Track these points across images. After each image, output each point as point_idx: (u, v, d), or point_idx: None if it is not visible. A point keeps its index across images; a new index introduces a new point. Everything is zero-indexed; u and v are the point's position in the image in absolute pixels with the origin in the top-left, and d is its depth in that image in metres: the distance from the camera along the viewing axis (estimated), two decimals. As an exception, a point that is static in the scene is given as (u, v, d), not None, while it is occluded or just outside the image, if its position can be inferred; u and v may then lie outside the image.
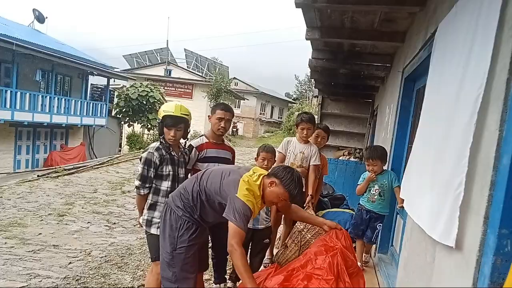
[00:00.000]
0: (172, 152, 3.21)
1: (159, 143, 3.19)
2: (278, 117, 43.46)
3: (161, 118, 3.21)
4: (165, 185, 3.14)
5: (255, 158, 3.91)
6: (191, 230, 2.70)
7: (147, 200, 3.15)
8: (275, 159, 3.83)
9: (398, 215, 3.61)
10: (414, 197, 2.25)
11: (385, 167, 3.72)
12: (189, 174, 3.52)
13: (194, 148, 3.54)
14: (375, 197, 3.63)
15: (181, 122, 3.19)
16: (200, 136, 3.72)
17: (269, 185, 2.57)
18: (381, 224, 3.61)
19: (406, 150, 3.60)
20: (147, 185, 3.10)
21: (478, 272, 1.28)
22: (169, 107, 3.24)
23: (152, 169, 3.06)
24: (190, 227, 2.69)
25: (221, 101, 28.42)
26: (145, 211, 3.16)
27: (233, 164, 3.73)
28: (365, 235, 3.73)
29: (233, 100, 32.29)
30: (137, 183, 3.09)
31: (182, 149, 3.39)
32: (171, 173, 3.16)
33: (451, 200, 1.50)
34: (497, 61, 1.36)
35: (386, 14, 3.52)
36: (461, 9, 1.85)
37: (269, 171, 2.73)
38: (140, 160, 3.12)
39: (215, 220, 2.77)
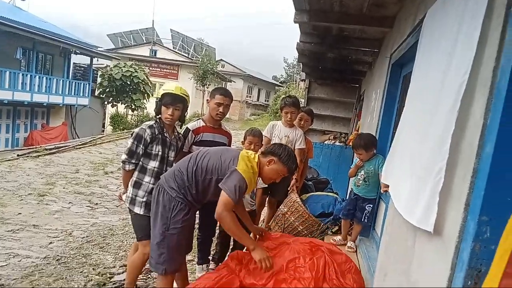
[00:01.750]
0: (165, 133, 3.19)
1: (154, 121, 3.17)
2: (265, 100, 43.33)
3: (160, 96, 3.20)
4: (152, 164, 3.12)
5: (241, 141, 3.90)
6: (183, 211, 2.72)
7: (132, 177, 3.13)
8: (262, 143, 3.83)
9: (381, 199, 3.66)
10: (396, 182, 2.27)
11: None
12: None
13: (190, 131, 3.53)
14: (360, 182, 3.67)
15: (180, 102, 3.18)
16: (197, 120, 3.71)
17: (268, 163, 2.73)
18: (370, 205, 3.65)
19: (391, 135, 3.63)
20: (133, 161, 3.08)
21: (457, 257, 1.30)
22: (170, 86, 3.24)
23: (141, 146, 3.05)
24: (183, 209, 2.72)
25: (208, 83, 28.19)
26: (129, 188, 3.13)
27: None
28: (355, 217, 3.79)
29: (219, 82, 32.01)
30: (123, 157, 3.08)
31: (177, 134, 3.37)
32: (160, 153, 3.13)
33: (431, 186, 1.52)
34: (484, 49, 1.36)
35: (375, -2, 3.49)
36: (450, -5, 1.84)
37: (263, 150, 2.86)
38: (131, 136, 3.10)
39: (209, 200, 2.81)
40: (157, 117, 3.22)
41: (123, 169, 3.12)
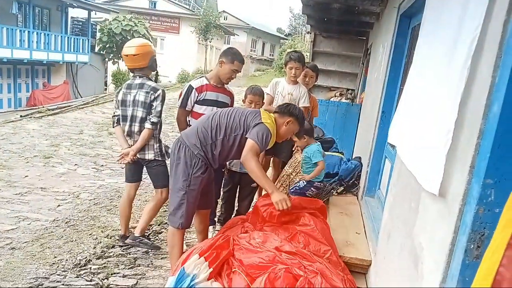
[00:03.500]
0: None
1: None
2: (270, 55, 42.44)
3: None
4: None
5: (242, 100, 3.82)
6: (202, 169, 2.83)
7: (155, 135, 3.64)
8: (263, 101, 3.75)
9: (386, 159, 3.62)
10: (404, 141, 2.20)
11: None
12: (189, 117, 3.50)
13: (194, 89, 3.46)
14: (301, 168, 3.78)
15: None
16: (200, 77, 3.63)
17: (286, 123, 2.87)
18: (312, 189, 3.70)
19: (398, 92, 3.52)
20: None
21: (460, 220, 1.27)
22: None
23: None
24: (202, 166, 2.82)
25: (210, 37, 27.50)
26: (155, 144, 3.63)
27: None
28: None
29: (222, 35, 31.25)
30: (157, 120, 3.56)
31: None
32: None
33: (438, 148, 1.46)
34: (495, 2, 1.25)
35: None
36: None
37: (278, 109, 2.98)
38: (158, 98, 3.53)
39: (227, 159, 3.02)
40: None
41: (154, 130, 3.57)
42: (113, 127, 3.73)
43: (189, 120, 3.57)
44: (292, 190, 3.73)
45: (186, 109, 3.49)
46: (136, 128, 3.55)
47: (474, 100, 1.30)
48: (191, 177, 2.79)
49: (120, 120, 3.62)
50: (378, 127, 3.77)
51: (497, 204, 1.13)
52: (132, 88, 3.55)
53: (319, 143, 3.78)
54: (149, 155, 3.61)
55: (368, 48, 7.08)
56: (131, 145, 3.59)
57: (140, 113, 3.51)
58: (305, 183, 3.65)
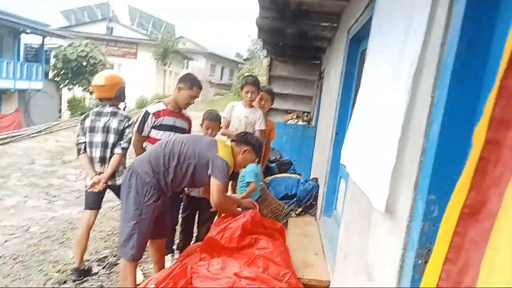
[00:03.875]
0: None
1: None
2: (229, 79, 42.78)
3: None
4: None
5: (200, 124, 3.79)
6: (154, 197, 2.73)
7: (124, 161, 3.71)
8: (221, 125, 3.75)
9: (341, 178, 3.69)
10: (355, 161, 2.26)
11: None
12: (145, 142, 3.43)
13: (150, 114, 3.40)
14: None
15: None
16: (157, 102, 3.59)
17: (242, 152, 2.89)
18: None
19: (350, 113, 3.63)
20: None
21: (408, 237, 1.30)
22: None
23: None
24: (154, 194, 2.72)
25: (169, 62, 27.40)
26: (124, 170, 3.58)
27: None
28: None
29: (181, 60, 31.21)
30: (127, 145, 3.62)
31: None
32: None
33: (385, 165, 1.50)
34: (433, 24, 1.32)
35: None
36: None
37: (235, 138, 3.01)
38: (131, 126, 3.58)
39: (180, 187, 2.93)
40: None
41: (124, 155, 3.63)
42: (79, 155, 3.63)
43: (145, 146, 3.49)
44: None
45: (143, 134, 3.42)
46: (109, 154, 3.56)
47: (416, 120, 1.36)
48: (142, 206, 2.69)
49: (87, 147, 3.57)
50: (332, 148, 3.86)
51: (440, 219, 1.15)
52: (103, 115, 3.59)
53: (258, 165, 3.82)
54: (120, 181, 3.52)
55: (321, 72, 7.31)
56: (102, 172, 3.55)
57: (112, 139, 3.55)
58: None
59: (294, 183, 4.80)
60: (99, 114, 3.61)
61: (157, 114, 3.43)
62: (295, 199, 4.62)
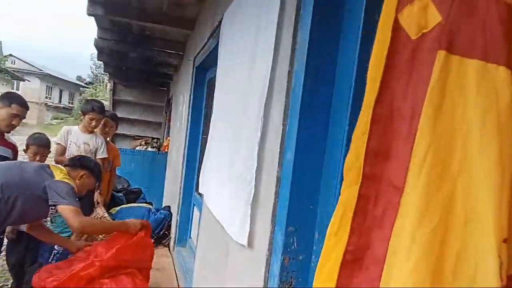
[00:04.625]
0: None
1: None
2: (69, 102, 39.37)
3: None
4: None
5: (24, 149, 3.21)
6: None
7: None
8: (49, 150, 3.24)
9: (195, 206, 3.58)
10: (213, 192, 2.16)
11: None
12: None
13: None
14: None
15: None
16: None
17: (79, 177, 2.55)
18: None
19: (200, 140, 3.58)
20: None
21: (268, 271, 1.24)
22: None
23: None
24: None
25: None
26: None
27: None
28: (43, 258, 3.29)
29: (9, 80, 27.43)
30: None
31: None
32: None
33: (244, 197, 1.44)
34: (279, 52, 1.33)
35: (173, -2, 3.36)
36: (244, -2, 1.81)
37: (69, 162, 2.65)
38: None
39: (5, 224, 2.39)
40: None
41: None
42: None
43: None
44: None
45: None
46: None
47: (269, 149, 1.33)
48: None
49: None
50: (184, 175, 3.74)
51: (300, 252, 1.13)
52: None
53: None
54: None
55: (170, 98, 7.19)
56: None
57: None
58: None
59: (144, 213, 4.46)
60: None
61: None
62: (145, 230, 4.30)
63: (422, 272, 0.53)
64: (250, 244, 1.40)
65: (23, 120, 3.12)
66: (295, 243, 1.14)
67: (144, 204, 4.83)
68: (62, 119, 33.70)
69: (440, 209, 0.54)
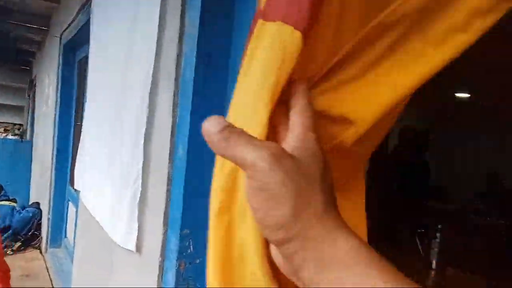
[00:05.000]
0: None
1: None
2: None
3: None
4: None
5: None
6: None
7: None
8: None
9: (70, 202, 3.22)
10: (90, 190, 1.90)
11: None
12: None
13: None
14: None
15: None
16: None
17: None
18: None
19: (73, 128, 3.21)
20: None
21: (161, 278, 1.12)
22: None
23: None
24: None
25: None
26: None
27: None
28: None
29: None
30: None
31: None
32: None
33: (130, 196, 1.27)
34: (164, 32, 1.19)
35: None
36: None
37: None
38: None
39: None
40: None
41: None
42: None
43: None
44: None
45: None
46: None
47: (158, 142, 1.20)
48: None
49: None
50: (55, 168, 3.37)
51: (197, 255, 1.04)
52: None
53: None
54: None
55: (33, 79, 6.35)
56: None
57: None
58: None
59: (7, 212, 4.17)
60: None
61: None
62: (10, 231, 3.99)
63: None
64: (138, 249, 1.26)
65: None
66: (191, 247, 1.04)
67: (6, 202, 4.47)
68: None
69: None
